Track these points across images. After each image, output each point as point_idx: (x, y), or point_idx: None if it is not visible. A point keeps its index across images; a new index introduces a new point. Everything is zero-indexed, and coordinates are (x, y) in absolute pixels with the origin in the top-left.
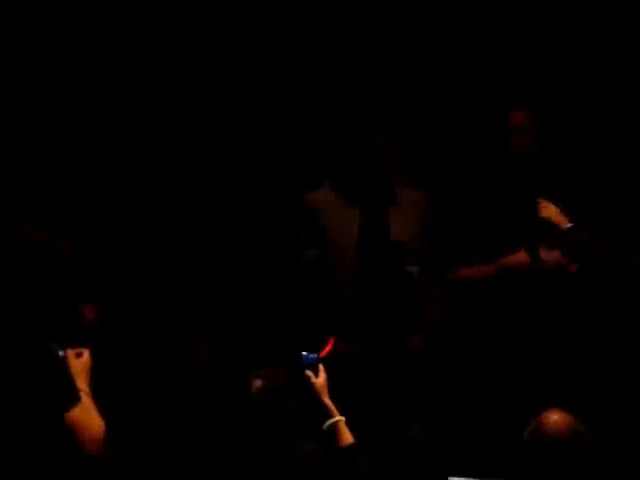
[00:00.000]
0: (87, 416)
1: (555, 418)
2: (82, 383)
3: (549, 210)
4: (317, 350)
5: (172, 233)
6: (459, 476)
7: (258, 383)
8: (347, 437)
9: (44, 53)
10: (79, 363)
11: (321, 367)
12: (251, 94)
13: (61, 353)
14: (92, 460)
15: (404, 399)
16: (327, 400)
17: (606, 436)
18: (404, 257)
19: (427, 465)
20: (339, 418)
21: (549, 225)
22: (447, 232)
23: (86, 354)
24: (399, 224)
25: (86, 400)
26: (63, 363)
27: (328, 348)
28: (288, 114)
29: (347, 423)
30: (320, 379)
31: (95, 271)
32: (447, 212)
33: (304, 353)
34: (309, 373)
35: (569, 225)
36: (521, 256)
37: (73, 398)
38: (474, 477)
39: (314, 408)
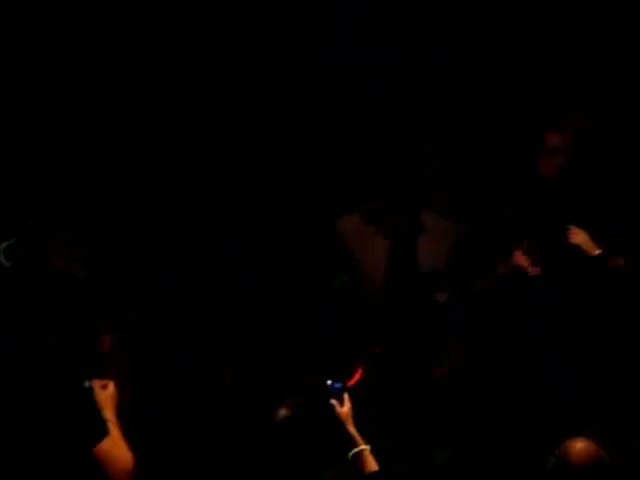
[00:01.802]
0: (116, 448)
1: (580, 446)
2: (110, 414)
3: (579, 237)
4: (345, 379)
5: (198, 254)
6: None
7: (283, 412)
8: (372, 466)
9: (41, 54)
10: (105, 395)
11: (346, 396)
12: (282, 124)
13: (87, 384)
14: None
15: (430, 426)
16: (352, 429)
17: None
18: (433, 285)
19: None
20: (364, 447)
21: (579, 252)
22: (472, 261)
23: (111, 386)
24: (429, 252)
25: (114, 432)
26: (91, 395)
27: (357, 377)
28: (320, 142)
29: (373, 452)
30: (345, 408)
31: (111, 296)
32: (474, 240)
33: (329, 382)
34: (334, 402)
35: (598, 252)
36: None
37: (102, 431)
38: None
39: (339, 437)
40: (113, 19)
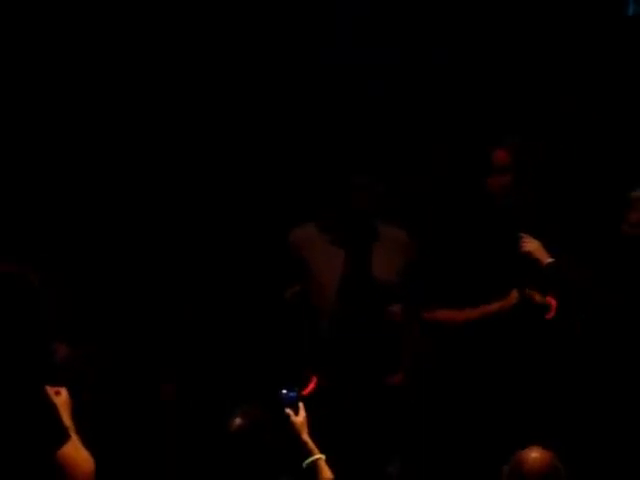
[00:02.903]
0: (77, 452)
1: (534, 455)
2: (67, 420)
3: (531, 245)
4: (299, 388)
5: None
6: None
7: (238, 421)
8: (327, 475)
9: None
10: (60, 400)
11: (301, 405)
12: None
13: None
14: None
15: (384, 436)
16: (307, 438)
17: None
18: (387, 295)
19: None
20: (319, 456)
21: (530, 260)
22: (427, 270)
23: (64, 392)
24: (383, 262)
25: (74, 436)
26: (49, 401)
27: (311, 386)
28: (275, 151)
29: (328, 461)
30: (300, 417)
31: (69, 307)
32: (428, 250)
33: (284, 391)
34: (289, 411)
35: (550, 260)
36: (506, 303)
37: (62, 435)
38: None
39: (294, 446)
40: (111, 18)
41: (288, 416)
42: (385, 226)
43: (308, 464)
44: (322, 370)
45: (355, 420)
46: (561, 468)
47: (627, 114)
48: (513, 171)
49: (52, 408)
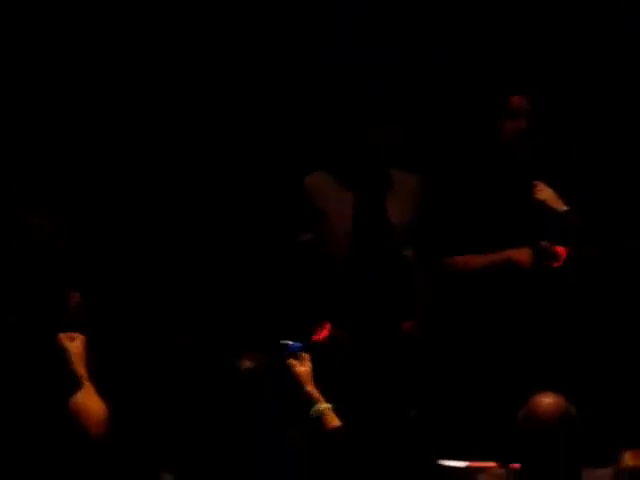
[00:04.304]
0: (90, 399)
1: (547, 401)
2: (80, 367)
3: (545, 193)
4: (311, 336)
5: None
6: (453, 458)
7: (247, 364)
8: (334, 422)
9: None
10: (74, 347)
11: (305, 356)
12: (244, 77)
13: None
14: (98, 442)
15: (400, 382)
16: (311, 388)
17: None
18: (400, 240)
19: (422, 446)
20: (325, 405)
21: (544, 208)
22: (441, 217)
23: (79, 338)
24: (395, 208)
25: (87, 384)
26: (62, 349)
27: (324, 333)
28: (284, 98)
29: (340, 409)
30: (304, 367)
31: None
32: (442, 196)
33: (288, 342)
34: (292, 362)
35: (565, 208)
36: (525, 253)
37: (75, 383)
38: (468, 459)
39: (299, 396)
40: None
41: (291, 366)
42: (397, 171)
43: (314, 413)
44: (336, 317)
45: (370, 367)
46: (574, 412)
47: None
48: (528, 117)
49: (66, 356)
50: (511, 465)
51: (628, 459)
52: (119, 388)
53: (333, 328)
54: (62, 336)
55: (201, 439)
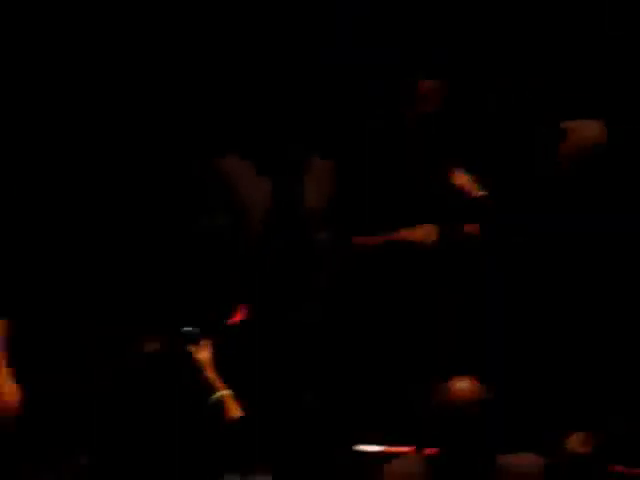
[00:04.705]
0: (3, 384)
1: (460, 386)
2: None
3: (461, 178)
4: (220, 320)
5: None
6: (369, 443)
7: (155, 345)
8: (235, 412)
9: None
10: None
11: (206, 342)
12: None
13: None
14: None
15: (299, 366)
16: (211, 375)
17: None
18: (315, 225)
19: (325, 431)
20: (225, 392)
21: (461, 193)
22: (351, 200)
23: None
24: (310, 192)
25: (2, 369)
26: None
27: (238, 315)
28: (198, 81)
29: (237, 396)
30: (204, 354)
31: None
32: (353, 179)
33: (187, 328)
34: (191, 348)
35: (482, 193)
36: (421, 232)
37: None
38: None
39: (198, 383)
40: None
41: (190, 353)
42: (311, 155)
43: (213, 400)
44: (249, 300)
45: (270, 349)
46: (490, 397)
47: None
48: (438, 102)
49: None
50: (426, 450)
51: (574, 443)
52: (33, 372)
53: (247, 312)
54: None
55: (109, 422)
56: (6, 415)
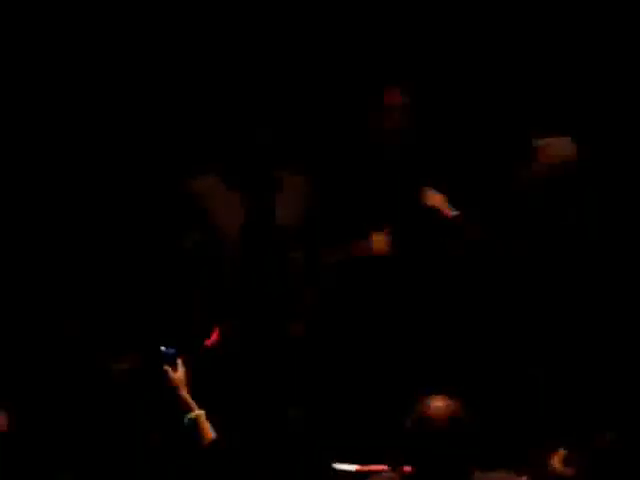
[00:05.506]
0: None
1: (437, 404)
2: None
3: (434, 198)
4: (182, 345)
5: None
6: (344, 462)
7: (124, 365)
8: (208, 434)
9: None
10: None
11: (180, 362)
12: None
13: None
14: None
15: (283, 384)
16: (185, 394)
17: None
18: (289, 242)
19: (306, 449)
20: (198, 412)
21: (434, 213)
22: (322, 216)
23: None
24: (284, 209)
25: None
26: None
27: (213, 337)
28: (172, 101)
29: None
30: (178, 373)
31: None
32: (325, 196)
33: (163, 348)
34: (167, 368)
35: (455, 213)
36: (376, 241)
37: None
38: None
39: (173, 403)
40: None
41: (166, 372)
42: (285, 173)
43: (188, 421)
44: (224, 321)
45: (254, 367)
46: (466, 415)
47: None
48: (403, 112)
49: None
50: (402, 468)
51: (556, 462)
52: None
53: (222, 332)
54: None
55: (85, 439)
56: None
